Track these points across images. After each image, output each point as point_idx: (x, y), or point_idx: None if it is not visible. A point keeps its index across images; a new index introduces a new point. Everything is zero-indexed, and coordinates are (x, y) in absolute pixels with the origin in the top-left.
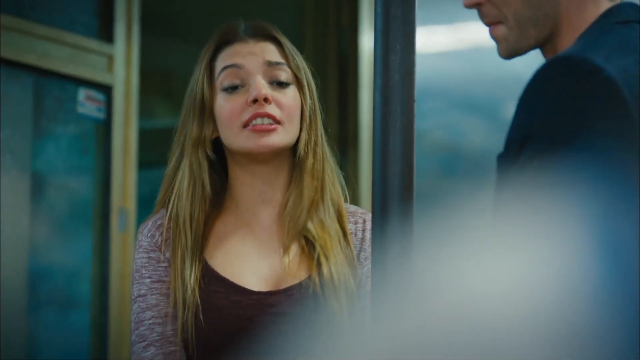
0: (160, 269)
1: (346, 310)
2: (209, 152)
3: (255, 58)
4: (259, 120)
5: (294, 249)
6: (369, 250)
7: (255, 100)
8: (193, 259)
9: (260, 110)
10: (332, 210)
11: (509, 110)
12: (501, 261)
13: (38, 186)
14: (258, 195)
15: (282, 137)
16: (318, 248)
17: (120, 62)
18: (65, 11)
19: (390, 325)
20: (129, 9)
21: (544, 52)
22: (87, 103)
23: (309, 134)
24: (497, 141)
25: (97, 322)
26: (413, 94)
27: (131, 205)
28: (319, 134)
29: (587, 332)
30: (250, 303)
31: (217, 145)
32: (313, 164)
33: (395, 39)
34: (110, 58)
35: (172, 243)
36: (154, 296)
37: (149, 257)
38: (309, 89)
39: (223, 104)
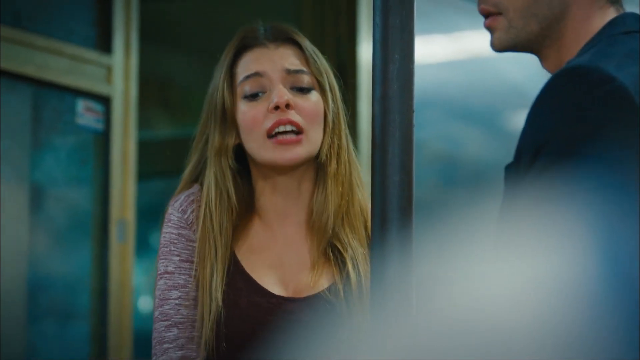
0: (189, 248)
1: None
2: (230, 162)
3: (274, 65)
4: (281, 128)
5: (321, 257)
6: None
7: (276, 107)
8: (222, 272)
9: (283, 117)
10: (361, 216)
11: (508, 120)
12: (509, 268)
13: (37, 197)
14: (281, 207)
15: (306, 148)
16: (348, 258)
17: (119, 73)
18: (63, 22)
19: (390, 334)
20: (127, 20)
21: (542, 59)
22: (86, 114)
23: (332, 138)
24: (495, 151)
25: (97, 333)
26: (412, 104)
27: (130, 216)
28: (343, 137)
29: (589, 334)
30: (269, 307)
31: (241, 151)
32: (337, 168)
33: (394, 49)
34: (109, 69)
35: (200, 253)
36: (182, 276)
37: (179, 234)
38: (331, 92)
39: (245, 111)
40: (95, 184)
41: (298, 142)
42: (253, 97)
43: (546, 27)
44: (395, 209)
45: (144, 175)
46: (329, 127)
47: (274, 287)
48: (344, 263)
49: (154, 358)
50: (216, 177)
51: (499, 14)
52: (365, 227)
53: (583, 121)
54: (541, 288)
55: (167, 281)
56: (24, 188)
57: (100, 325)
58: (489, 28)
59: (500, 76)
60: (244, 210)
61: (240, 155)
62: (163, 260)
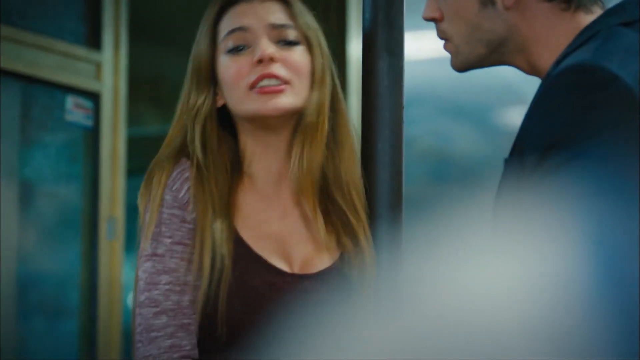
0: (183, 229)
1: (374, 291)
2: (215, 120)
3: (259, 19)
4: (265, 82)
5: (321, 221)
6: None
7: (260, 61)
8: (223, 223)
9: (266, 71)
10: (353, 186)
11: (498, 116)
12: (503, 267)
13: (26, 194)
14: (274, 169)
15: (291, 98)
16: (358, 226)
17: (109, 70)
18: (53, 19)
19: (381, 329)
20: (116, 16)
21: (519, 68)
22: (75, 111)
23: (319, 94)
24: (485, 147)
25: (86, 330)
26: (402, 101)
27: (120, 213)
28: (329, 93)
29: (583, 335)
30: (284, 287)
31: (228, 115)
32: (321, 124)
33: (383, 46)
34: (98, 65)
35: (199, 203)
36: (173, 260)
37: (172, 214)
38: (319, 48)
39: (228, 65)
40: (84, 180)
41: (282, 91)
42: (237, 50)
43: (496, 47)
44: (385, 205)
45: (133, 172)
46: (316, 81)
47: (281, 264)
48: (352, 232)
49: (138, 345)
50: (203, 136)
51: (448, 39)
52: (358, 197)
53: (590, 122)
54: (535, 288)
55: (156, 264)
56: (13, 185)
57: (90, 321)
58: (447, 51)
59: (490, 73)
60: (235, 179)
61: (228, 121)
62: (152, 242)
